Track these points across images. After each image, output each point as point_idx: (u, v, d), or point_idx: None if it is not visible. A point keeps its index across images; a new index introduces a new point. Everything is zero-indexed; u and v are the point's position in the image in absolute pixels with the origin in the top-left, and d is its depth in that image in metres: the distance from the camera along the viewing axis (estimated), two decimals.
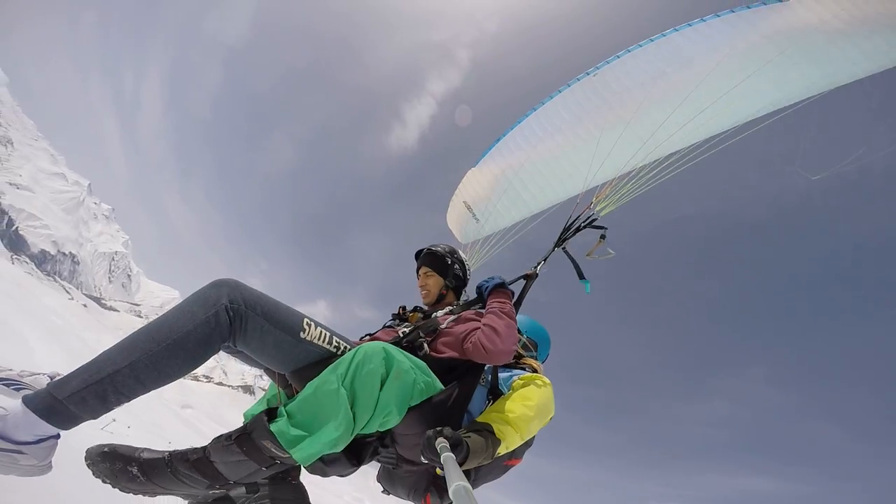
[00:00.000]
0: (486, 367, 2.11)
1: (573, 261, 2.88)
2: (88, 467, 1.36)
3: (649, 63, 2.99)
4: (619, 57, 3.12)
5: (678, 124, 2.83)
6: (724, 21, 2.87)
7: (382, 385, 1.53)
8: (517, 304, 2.48)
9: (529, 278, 2.63)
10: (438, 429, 1.53)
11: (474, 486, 2.05)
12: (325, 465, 1.72)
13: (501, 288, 2.25)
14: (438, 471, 1.94)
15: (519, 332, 2.59)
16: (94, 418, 1.27)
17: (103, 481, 1.36)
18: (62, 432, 1.27)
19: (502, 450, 1.77)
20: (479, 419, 1.86)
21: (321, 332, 1.62)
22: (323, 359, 1.61)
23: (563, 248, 2.96)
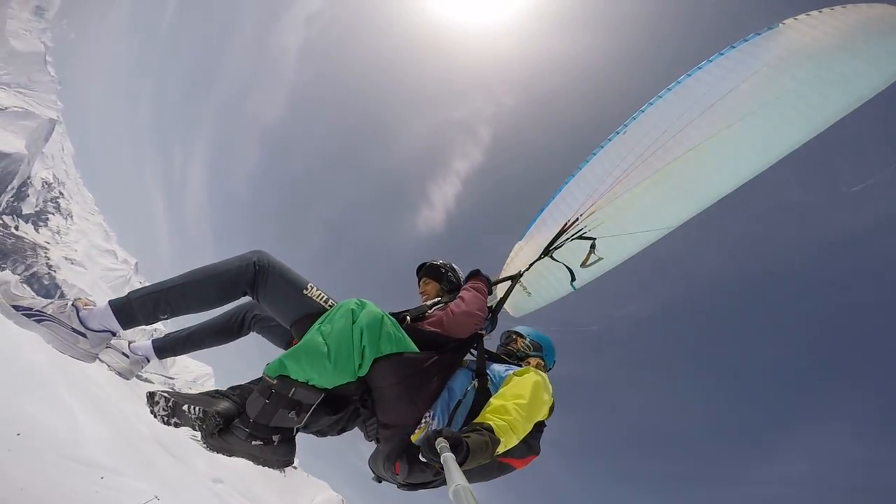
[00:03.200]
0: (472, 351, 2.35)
1: (566, 266, 3.25)
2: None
3: (673, 112, 3.01)
4: (643, 111, 3.18)
5: (718, 169, 2.88)
6: (730, 58, 2.92)
7: (354, 321, 1.82)
8: (501, 302, 2.85)
9: (514, 279, 3.02)
10: (438, 429, 1.58)
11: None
12: (304, 417, 1.81)
13: (476, 274, 2.64)
14: (413, 438, 1.96)
15: (520, 335, 2.86)
16: (146, 324, 1.71)
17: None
18: (120, 332, 1.71)
19: (501, 449, 1.77)
20: (478, 420, 1.85)
21: (321, 293, 1.96)
22: (319, 313, 1.89)
23: (551, 257, 3.24)
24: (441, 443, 1.46)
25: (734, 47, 2.92)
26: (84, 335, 1.66)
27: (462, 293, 2.42)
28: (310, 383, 1.73)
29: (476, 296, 2.41)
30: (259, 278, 1.84)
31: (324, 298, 1.95)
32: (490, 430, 1.74)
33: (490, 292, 2.66)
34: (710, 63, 3.00)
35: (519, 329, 2.97)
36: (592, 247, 3.17)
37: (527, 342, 2.84)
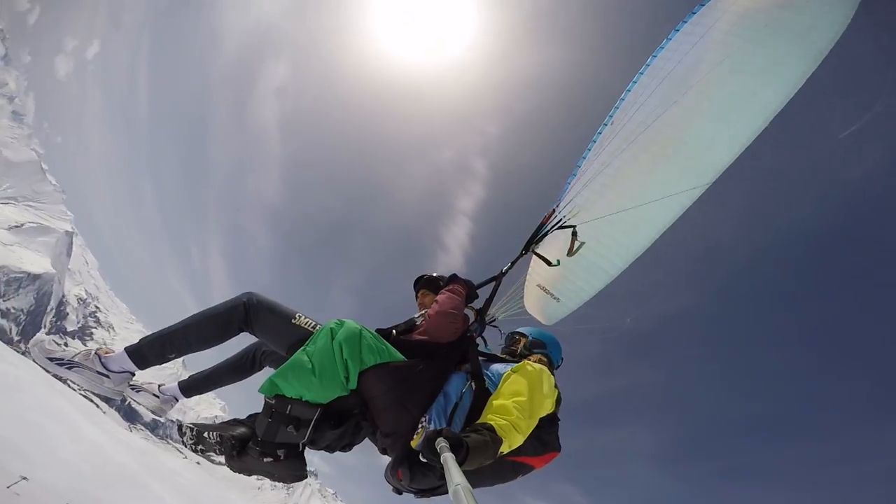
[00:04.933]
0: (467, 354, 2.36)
1: (542, 258, 3.33)
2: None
3: (655, 93, 3.03)
4: (623, 100, 3.22)
5: (717, 140, 2.86)
6: (686, 33, 2.98)
7: (334, 338, 2.01)
8: (488, 302, 2.97)
9: (497, 279, 3.12)
10: (438, 429, 1.62)
11: (478, 486, 2.07)
12: (315, 434, 2.00)
13: (453, 278, 2.71)
14: (413, 443, 1.98)
15: (522, 335, 2.93)
16: (157, 364, 2.09)
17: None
18: (137, 372, 2.11)
19: (505, 448, 1.77)
20: (479, 421, 1.86)
21: (308, 320, 2.15)
22: (308, 338, 2.08)
23: (534, 251, 3.36)
24: (441, 443, 1.47)
25: (686, 21, 2.98)
26: (107, 376, 2.04)
27: (438, 297, 2.51)
28: (303, 399, 1.93)
29: (450, 296, 2.46)
30: (250, 315, 2.09)
31: (311, 325, 2.13)
32: (491, 429, 1.75)
33: (471, 294, 2.73)
34: (669, 41, 3.05)
35: (521, 329, 2.98)
36: (574, 234, 3.23)
37: (528, 341, 2.87)
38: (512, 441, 1.80)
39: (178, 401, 2.54)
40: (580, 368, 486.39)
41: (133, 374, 2.17)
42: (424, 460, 1.64)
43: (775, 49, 2.66)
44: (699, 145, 2.94)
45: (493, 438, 1.72)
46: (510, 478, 2.16)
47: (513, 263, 3.26)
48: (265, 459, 1.92)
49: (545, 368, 2.23)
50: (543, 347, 2.84)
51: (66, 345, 2.15)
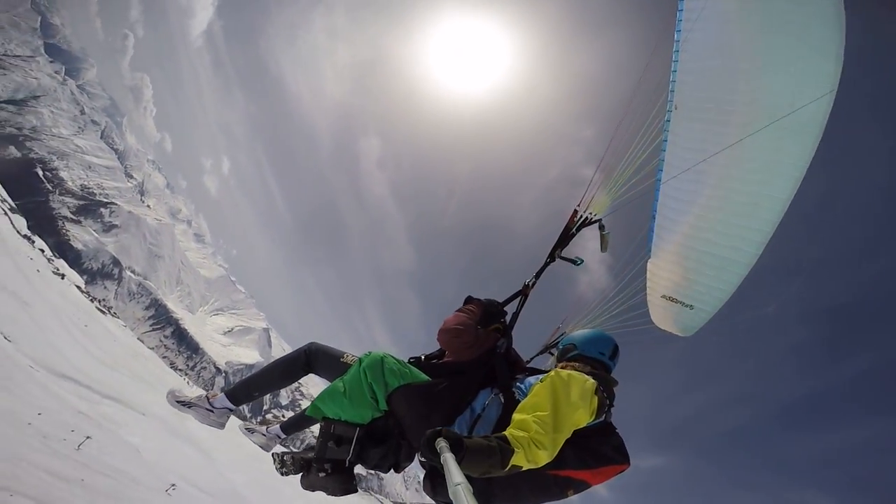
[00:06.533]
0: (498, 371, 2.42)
1: (565, 258, 3.19)
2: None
3: (704, 63, 2.78)
4: (674, 81, 2.87)
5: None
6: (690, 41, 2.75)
7: (360, 366, 2.34)
8: (513, 319, 2.91)
9: (522, 293, 3.04)
10: (438, 429, 1.56)
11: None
12: (361, 451, 2.29)
13: (468, 299, 2.85)
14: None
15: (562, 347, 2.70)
16: (247, 402, 2.78)
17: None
18: (234, 408, 2.77)
19: (521, 461, 1.68)
20: (496, 433, 1.81)
21: (353, 357, 2.57)
22: None
23: (559, 256, 3.18)
24: (440, 443, 1.46)
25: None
26: (212, 412, 2.75)
27: (446, 317, 2.66)
28: (342, 419, 2.29)
29: (456, 315, 2.63)
30: (311, 359, 2.64)
31: (354, 360, 2.51)
32: (503, 438, 1.70)
33: (492, 312, 2.85)
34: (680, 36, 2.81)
35: (565, 338, 2.80)
36: (601, 227, 3.16)
37: (559, 351, 2.70)
38: (531, 456, 1.72)
39: (280, 438, 3.08)
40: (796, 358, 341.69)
41: (231, 410, 2.82)
42: (423, 460, 1.68)
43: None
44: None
45: (502, 447, 1.67)
46: (558, 494, 2.06)
47: (538, 275, 3.09)
48: (319, 474, 2.29)
49: (575, 375, 2.09)
50: (573, 350, 2.58)
51: (283, 416, 3.17)
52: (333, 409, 2.31)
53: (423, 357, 2.69)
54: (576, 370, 2.25)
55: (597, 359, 2.52)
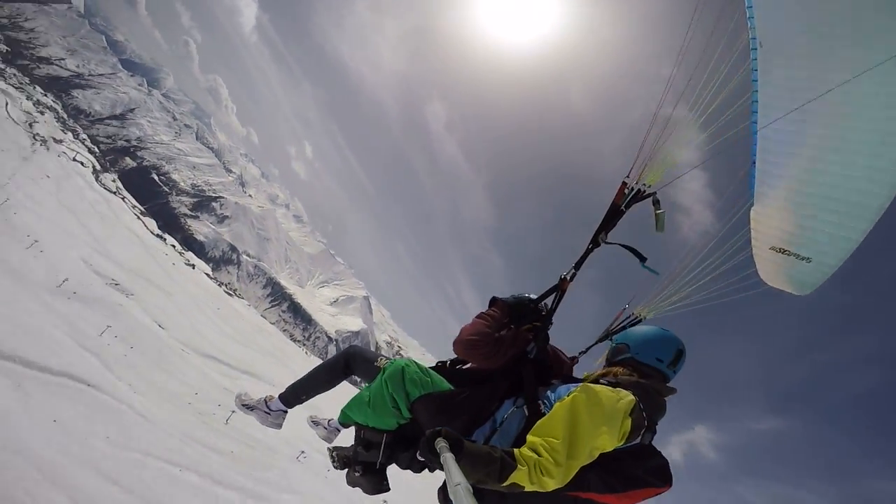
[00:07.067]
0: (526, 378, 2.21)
1: (626, 247, 2.61)
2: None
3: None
4: (752, 18, 2.49)
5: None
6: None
7: (382, 376, 2.39)
8: (549, 315, 2.48)
9: (559, 288, 2.54)
10: (438, 429, 1.56)
11: None
12: (391, 455, 2.40)
13: (492, 301, 2.58)
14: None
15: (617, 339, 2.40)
16: (298, 403, 2.95)
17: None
18: (287, 409, 2.98)
19: (523, 480, 1.62)
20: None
21: (386, 361, 2.58)
22: None
23: (605, 241, 2.57)
24: (440, 443, 1.46)
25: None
26: (269, 413, 2.98)
27: (464, 325, 2.47)
28: (369, 425, 2.40)
29: (474, 323, 2.42)
30: (349, 363, 2.76)
31: (386, 363, 2.52)
32: (510, 453, 1.66)
33: (515, 310, 2.51)
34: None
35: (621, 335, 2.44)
36: (655, 203, 2.66)
37: (610, 349, 2.41)
38: (535, 479, 1.64)
39: (339, 431, 3.08)
40: None
41: (286, 411, 3.03)
42: (422, 459, 1.62)
43: None
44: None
45: (504, 460, 1.62)
46: None
47: (578, 265, 2.55)
48: (355, 474, 2.47)
49: (605, 392, 1.85)
50: (625, 352, 2.27)
51: None
52: (360, 417, 2.44)
53: (448, 363, 2.67)
54: (617, 378, 2.09)
55: (651, 366, 2.22)
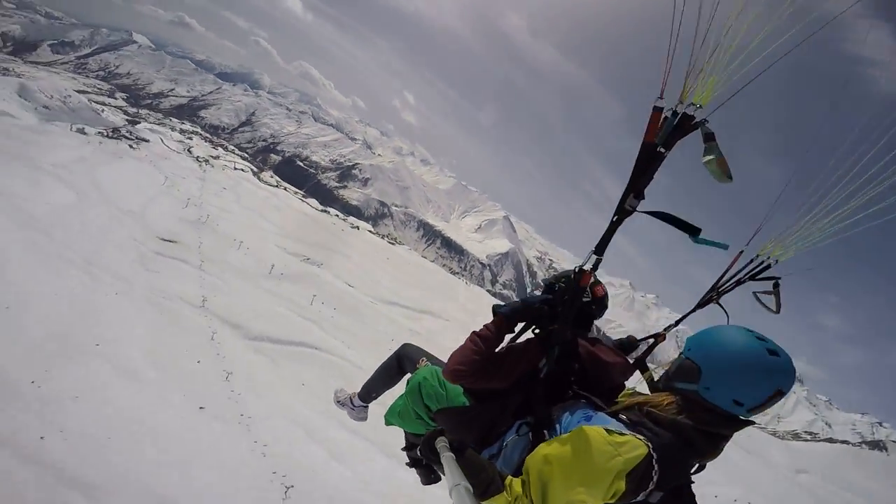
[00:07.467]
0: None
1: (668, 218, 1.65)
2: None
3: None
4: None
5: None
6: None
7: (407, 386, 2.68)
8: (564, 320, 1.86)
9: (575, 285, 1.84)
10: (439, 429, 1.64)
11: None
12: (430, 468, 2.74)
13: (494, 311, 2.05)
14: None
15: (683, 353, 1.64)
16: (372, 401, 3.31)
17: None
18: (366, 405, 3.34)
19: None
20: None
21: (426, 362, 2.77)
22: None
23: (634, 207, 1.64)
24: (440, 443, 1.50)
25: None
26: (354, 409, 3.34)
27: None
28: (406, 430, 2.78)
29: (463, 346, 1.96)
30: (401, 363, 2.97)
31: (425, 364, 2.72)
32: (501, 476, 1.49)
33: (506, 328, 1.97)
34: None
35: (691, 337, 1.63)
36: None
37: (677, 363, 1.63)
38: None
39: (367, 407, 3.44)
40: None
41: (366, 406, 3.36)
42: (422, 459, 1.62)
43: None
44: None
45: (494, 480, 1.45)
46: None
47: (600, 250, 1.73)
48: (411, 468, 2.90)
49: (601, 444, 1.36)
50: (693, 380, 1.51)
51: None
52: (397, 423, 2.72)
53: None
54: (651, 415, 1.49)
55: (722, 409, 1.45)
